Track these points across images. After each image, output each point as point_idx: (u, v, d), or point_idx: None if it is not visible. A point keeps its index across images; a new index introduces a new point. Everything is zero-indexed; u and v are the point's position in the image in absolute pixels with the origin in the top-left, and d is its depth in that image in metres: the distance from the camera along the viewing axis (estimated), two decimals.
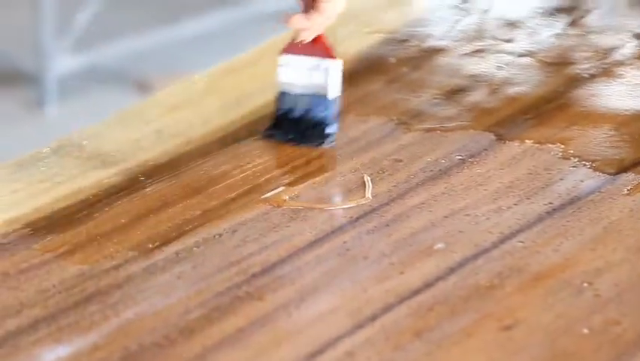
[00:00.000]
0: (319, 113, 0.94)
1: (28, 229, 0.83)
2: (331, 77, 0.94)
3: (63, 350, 0.72)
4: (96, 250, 0.81)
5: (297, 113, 0.95)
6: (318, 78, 0.94)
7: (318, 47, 0.95)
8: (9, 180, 0.89)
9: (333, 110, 0.95)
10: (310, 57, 0.94)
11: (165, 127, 0.98)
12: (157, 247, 0.81)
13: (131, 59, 2.60)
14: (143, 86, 2.53)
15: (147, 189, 0.88)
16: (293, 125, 0.95)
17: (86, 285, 0.77)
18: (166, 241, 0.82)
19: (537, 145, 0.94)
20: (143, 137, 0.96)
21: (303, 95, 0.95)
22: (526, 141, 0.95)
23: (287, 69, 0.95)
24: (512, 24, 1.17)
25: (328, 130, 0.94)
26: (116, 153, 0.94)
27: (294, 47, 0.95)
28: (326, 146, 0.93)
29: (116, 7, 2.74)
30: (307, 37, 0.95)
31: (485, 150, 0.94)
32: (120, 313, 0.75)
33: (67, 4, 2.61)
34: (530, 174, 0.90)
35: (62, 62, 2.53)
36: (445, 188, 0.88)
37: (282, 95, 0.96)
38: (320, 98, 0.94)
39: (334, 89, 0.95)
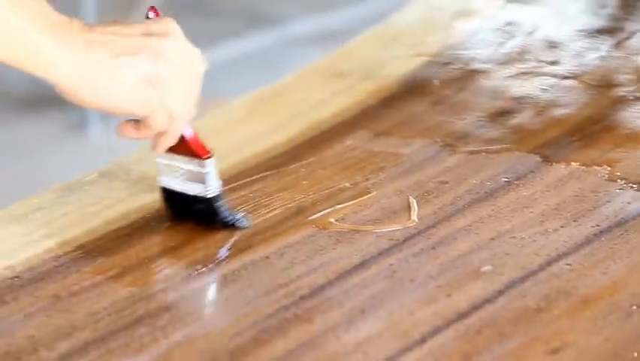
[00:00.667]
0: (207, 211, 0.85)
1: (80, 252, 0.84)
2: (208, 176, 0.85)
3: None
4: (145, 273, 0.82)
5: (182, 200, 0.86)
6: (196, 177, 0.85)
7: (188, 147, 0.85)
8: (60, 203, 0.90)
9: (218, 206, 0.85)
10: (184, 156, 0.85)
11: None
12: (205, 270, 0.82)
13: None
14: None
15: None
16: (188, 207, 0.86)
17: (136, 307, 0.78)
18: (214, 264, 0.83)
19: (583, 167, 0.94)
20: None
21: (184, 194, 0.86)
22: (572, 163, 0.95)
23: (165, 168, 0.87)
24: (556, 46, 1.17)
25: (228, 219, 0.85)
26: None
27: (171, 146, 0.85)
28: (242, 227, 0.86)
29: None
30: (161, 147, 0.84)
31: (531, 172, 0.94)
32: (169, 335, 0.75)
33: None
34: (577, 196, 0.90)
35: None
36: (492, 210, 0.88)
37: (164, 191, 0.87)
38: (201, 199, 0.85)
39: (214, 188, 0.85)
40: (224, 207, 0.86)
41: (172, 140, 0.84)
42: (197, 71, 0.83)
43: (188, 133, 0.85)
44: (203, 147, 0.85)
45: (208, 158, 0.85)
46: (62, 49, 0.78)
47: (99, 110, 0.82)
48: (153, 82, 0.81)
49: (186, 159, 0.86)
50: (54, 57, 0.78)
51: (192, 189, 0.86)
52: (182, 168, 0.86)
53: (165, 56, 0.81)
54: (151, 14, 0.85)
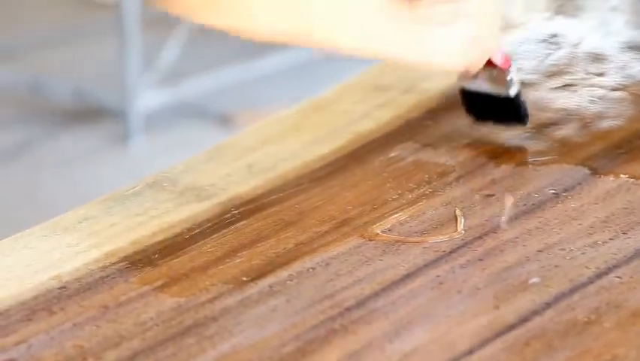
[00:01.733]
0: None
1: (126, 263, 0.84)
2: (511, 82, 0.99)
3: None
4: (192, 283, 0.82)
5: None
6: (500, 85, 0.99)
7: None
8: (106, 214, 0.90)
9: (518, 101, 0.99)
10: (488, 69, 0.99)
11: (256, 162, 0.99)
12: (251, 280, 0.82)
13: (214, 94, 2.64)
14: (226, 121, 2.56)
15: (240, 223, 0.89)
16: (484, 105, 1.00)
17: (183, 317, 0.78)
18: (260, 275, 0.83)
19: (632, 180, 0.93)
20: (235, 171, 0.97)
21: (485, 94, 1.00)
22: (621, 175, 0.94)
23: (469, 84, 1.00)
24: (603, 58, 1.16)
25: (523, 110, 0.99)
26: (208, 187, 0.95)
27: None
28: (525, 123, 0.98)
29: (199, 44, 2.78)
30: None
31: (579, 184, 0.93)
32: (217, 345, 0.75)
33: (152, 41, 2.66)
34: (626, 208, 0.89)
35: (147, 98, 2.57)
36: (539, 222, 0.88)
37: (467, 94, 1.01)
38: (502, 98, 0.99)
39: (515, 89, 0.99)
40: (522, 104, 0.99)
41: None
42: (498, 12, 0.98)
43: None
44: (506, 59, 0.99)
45: (509, 68, 0.99)
46: (394, 26, 0.93)
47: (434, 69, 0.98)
48: (473, 39, 0.95)
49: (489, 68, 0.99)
50: (388, 35, 0.93)
51: (497, 90, 0.99)
52: (486, 76, 0.99)
53: (475, 14, 0.95)
54: None
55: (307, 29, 0.90)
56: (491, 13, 0.96)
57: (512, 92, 0.98)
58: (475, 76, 0.99)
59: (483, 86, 0.99)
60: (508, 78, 0.98)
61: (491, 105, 1.00)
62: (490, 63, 0.98)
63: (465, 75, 1.00)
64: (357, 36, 0.92)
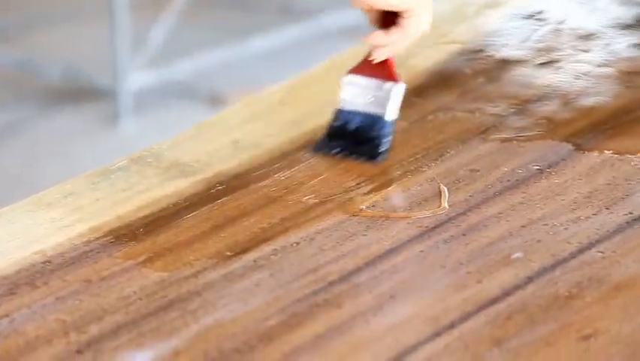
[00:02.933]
0: (374, 131, 0.94)
1: (110, 237, 0.84)
2: (392, 100, 0.94)
3: (144, 355, 0.73)
4: (176, 258, 0.82)
5: (351, 127, 0.95)
6: (379, 99, 0.94)
7: (384, 69, 0.95)
8: (91, 189, 0.90)
9: (388, 131, 0.94)
10: (374, 79, 0.94)
11: (242, 138, 0.99)
12: (235, 255, 0.82)
13: (203, 74, 2.63)
14: (215, 101, 2.56)
15: (225, 198, 0.89)
16: (345, 139, 0.95)
17: (167, 292, 0.78)
18: (244, 249, 0.83)
19: (616, 155, 0.93)
20: (221, 147, 0.97)
21: (360, 113, 0.95)
22: (605, 151, 0.94)
23: (349, 88, 0.96)
24: (588, 35, 1.16)
25: (382, 148, 0.94)
26: (194, 163, 0.95)
27: (359, 68, 0.95)
28: (378, 161, 0.93)
29: (189, 24, 2.77)
30: (381, 56, 0.94)
31: (563, 160, 0.93)
32: (200, 319, 0.75)
33: (142, 21, 2.65)
34: (609, 184, 0.89)
35: (137, 78, 2.57)
36: (523, 198, 0.88)
37: (340, 112, 0.96)
38: (377, 118, 0.95)
39: (393, 112, 0.95)
40: (386, 138, 0.95)
41: (402, 47, 0.94)
42: None
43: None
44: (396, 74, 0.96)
45: (399, 83, 0.95)
46: None
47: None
48: None
49: (378, 82, 0.95)
50: None
51: (374, 110, 0.95)
52: (371, 92, 0.95)
53: None
54: None
55: None
56: None
57: (389, 115, 0.94)
58: (359, 92, 0.94)
59: (361, 106, 0.95)
60: (392, 95, 0.94)
61: (355, 135, 0.95)
62: (384, 70, 0.94)
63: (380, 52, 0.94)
64: None
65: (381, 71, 0.94)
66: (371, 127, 0.94)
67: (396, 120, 0.95)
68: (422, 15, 0.92)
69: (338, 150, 0.94)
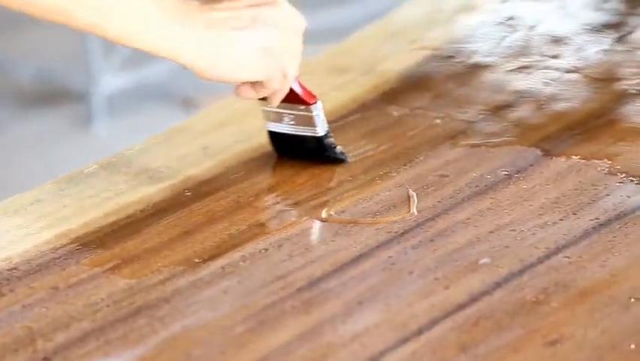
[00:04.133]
0: (312, 144, 0.93)
1: (77, 244, 0.84)
2: (317, 119, 0.92)
3: None
4: (144, 265, 0.82)
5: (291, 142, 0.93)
6: (304, 123, 0.93)
7: (295, 96, 0.92)
8: (59, 195, 0.90)
9: (326, 142, 0.93)
10: (291, 105, 0.92)
11: (211, 143, 0.99)
12: (203, 262, 0.82)
13: (176, 77, 2.63)
14: (188, 104, 2.55)
15: (194, 205, 0.89)
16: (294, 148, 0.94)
17: (135, 299, 0.78)
18: (212, 256, 0.83)
19: (584, 161, 0.94)
20: (190, 153, 0.97)
21: (293, 135, 0.93)
22: (573, 156, 0.94)
23: (270, 115, 0.93)
24: (559, 40, 1.17)
25: (337, 155, 0.93)
26: (163, 168, 0.95)
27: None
28: (341, 159, 0.93)
29: None
30: (275, 102, 0.91)
31: (531, 165, 0.94)
32: (168, 326, 0.75)
33: None
34: (577, 189, 0.90)
35: (110, 80, 2.56)
36: (491, 203, 0.88)
37: (273, 134, 0.94)
38: (311, 137, 0.93)
39: (322, 127, 0.93)
40: (330, 144, 0.94)
41: (284, 94, 0.91)
42: (301, 29, 0.90)
43: (294, 85, 0.92)
44: (310, 94, 0.93)
45: (315, 103, 0.92)
46: (186, 30, 0.84)
47: (222, 83, 0.88)
48: (269, 49, 0.87)
49: (294, 105, 0.92)
50: (180, 39, 0.84)
51: (302, 130, 0.93)
52: (291, 114, 0.93)
53: (276, 23, 0.87)
54: None
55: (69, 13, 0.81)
56: (293, 28, 0.88)
57: (320, 131, 0.92)
58: (279, 116, 0.92)
59: (287, 127, 0.93)
60: (314, 114, 0.92)
61: (299, 146, 0.93)
62: (293, 98, 0.91)
63: (269, 116, 0.93)
64: (144, 39, 0.83)
65: (294, 97, 0.92)
66: (308, 144, 0.93)
67: (328, 132, 0.93)
68: (287, 69, 0.89)
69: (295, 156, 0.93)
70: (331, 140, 0.94)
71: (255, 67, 0.87)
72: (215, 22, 0.85)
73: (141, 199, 0.90)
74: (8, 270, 0.81)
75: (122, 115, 2.55)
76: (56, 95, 2.62)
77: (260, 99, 0.92)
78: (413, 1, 1.29)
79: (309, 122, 0.92)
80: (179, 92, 2.61)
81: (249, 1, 0.87)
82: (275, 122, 0.94)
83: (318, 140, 0.93)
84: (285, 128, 0.93)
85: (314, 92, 0.93)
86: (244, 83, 0.89)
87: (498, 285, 0.79)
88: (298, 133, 0.93)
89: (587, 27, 1.19)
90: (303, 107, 0.92)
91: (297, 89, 0.92)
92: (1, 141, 2.46)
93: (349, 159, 0.94)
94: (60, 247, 0.83)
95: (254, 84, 0.89)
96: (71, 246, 0.84)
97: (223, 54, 0.85)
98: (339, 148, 0.94)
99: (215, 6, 0.86)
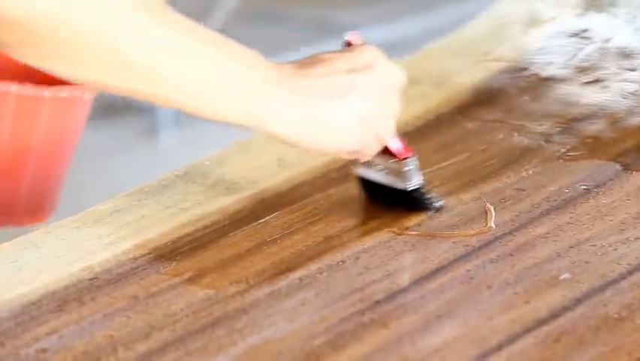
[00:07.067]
0: (402, 196, 0.88)
1: (156, 254, 0.84)
2: (410, 173, 0.87)
3: None
4: (222, 276, 0.82)
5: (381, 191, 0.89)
6: (395, 175, 0.88)
7: (388, 150, 0.87)
8: (136, 206, 0.91)
9: (418, 194, 0.88)
10: (383, 155, 0.87)
11: (285, 155, 0.99)
12: (281, 273, 0.82)
13: None
14: None
15: (269, 216, 0.89)
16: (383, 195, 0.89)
17: (213, 309, 0.78)
18: (290, 268, 0.83)
19: None
20: (264, 165, 0.98)
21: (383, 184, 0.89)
22: None
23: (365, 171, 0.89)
24: (635, 53, 1.15)
25: (430, 203, 0.88)
26: (239, 180, 0.95)
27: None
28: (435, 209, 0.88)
29: (230, 35, 2.78)
30: (365, 159, 0.87)
31: (611, 180, 0.92)
32: (247, 337, 0.75)
33: None
34: None
35: None
36: (570, 218, 0.87)
37: (362, 178, 0.90)
38: (402, 190, 0.88)
39: (415, 181, 0.88)
40: (422, 197, 0.88)
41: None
42: (399, 86, 0.84)
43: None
44: (406, 149, 0.87)
45: (408, 158, 0.87)
46: (279, 98, 0.79)
47: (316, 150, 0.83)
48: (366, 118, 0.82)
49: (386, 156, 0.87)
50: (271, 107, 0.79)
51: (392, 182, 0.88)
52: (382, 164, 0.88)
53: (374, 88, 0.82)
54: (351, 36, 0.86)
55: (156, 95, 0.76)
56: (391, 87, 0.82)
57: (410, 185, 0.87)
58: (371, 163, 0.87)
59: (378, 176, 0.88)
60: (406, 170, 0.86)
61: (389, 194, 0.88)
62: (387, 151, 0.86)
63: (358, 161, 0.87)
64: (231, 107, 0.78)
65: (387, 151, 0.87)
66: (399, 193, 0.88)
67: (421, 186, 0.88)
68: (383, 134, 0.84)
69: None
70: (424, 193, 0.88)
71: (350, 138, 0.82)
72: (310, 90, 0.80)
73: (218, 210, 0.90)
74: (89, 279, 0.81)
75: (188, 126, 2.57)
76: (123, 108, 2.65)
77: None
78: (483, 16, 1.29)
79: (401, 175, 0.87)
80: None
81: (345, 66, 0.81)
82: (364, 167, 0.89)
83: (409, 193, 0.88)
84: (375, 175, 0.88)
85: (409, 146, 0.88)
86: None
87: (579, 301, 0.78)
88: (389, 184, 0.88)
89: None
90: (395, 159, 0.87)
91: (392, 144, 0.87)
92: None
93: (442, 206, 0.88)
94: (139, 257, 0.84)
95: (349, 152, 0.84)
96: (150, 256, 0.84)
97: (316, 125, 0.80)
98: (433, 198, 0.88)
99: (309, 72, 0.81)
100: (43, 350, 0.74)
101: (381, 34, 2.82)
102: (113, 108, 2.63)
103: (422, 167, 0.95)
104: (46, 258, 0.84)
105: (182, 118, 2.58)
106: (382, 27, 2.81)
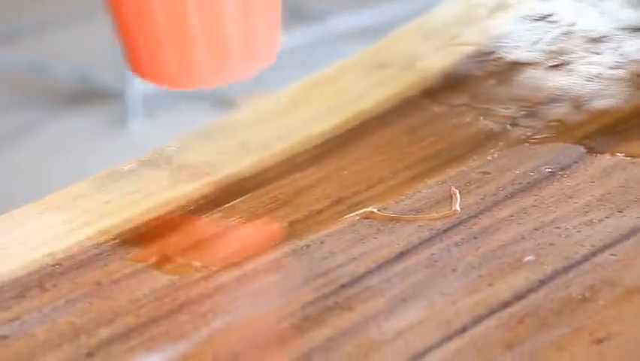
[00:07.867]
0: None
1: (120, 240, 0.84)
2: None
3: (155, 358, 0.72)
4: (186, 261, 0.82)
5: None
6: None
7: None
8: (101, 192, 0.90)
9: None
10: None
11: (251, 140, 0.99)
12: (245, 258, 0.82)
13: None
14: (225, 103, 2.56)
15: (234, 201, 0.89)
16: None
17: (177, 294, 0.78)
18: (254, 252, 0.82)
19: (629, 158, 0.93)
20: (230, 149, 0.97)
21: None
22: (618, 154, 0.93)
23: None
24: (600, 37, 1.16)
25: None
26: (203, 165, 0.95)
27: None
28: None
29: None
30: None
31: (575, 162, 0.93)
32: (210, 322, 0.75)
33: None
34: (622, 187, 0.89)
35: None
36: (535, 201, 0.87)
37: None
38: None
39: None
40: None
41: None
42: None
43: None
44: None
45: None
46: None
47: None
48: None
49: None
50: None
51: None
52: None
53: None
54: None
55: None
56: None
57: None
58: None
59: None
60: None
61: None
62: None
63: None
64: None
65: None
66: None
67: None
68: None
69: None
70: None
71: None
72: None
73: (182, 196, 0.90)
74: (52, 265, 0.81)
75: (157, 114, 2.56)
76: (93, 95, 2.64)
77: None
78: (450, 2, 1.28)
79: None
80: (216, 91, 2.62)
81: None
82: None
83: None
84: None
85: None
86: None
87: (543, 283, 0.78)
88: None
89: (626, 25, 1.18)
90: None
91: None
92: (37, 140, 2.48)
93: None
94: (103, 243, 0.83)
95: None
96: (114, 242, 0.84)
97: None
98: None
99: None
100: (4, 337, 0.74)
101: (354, 21, 2.82)
102: (84, 96, 2.62)
103: (389, 151, 0.95)
104: (8, 244, 0.83)
105: (152, 105, 2.57)
106: (355, 14, 2.81)
